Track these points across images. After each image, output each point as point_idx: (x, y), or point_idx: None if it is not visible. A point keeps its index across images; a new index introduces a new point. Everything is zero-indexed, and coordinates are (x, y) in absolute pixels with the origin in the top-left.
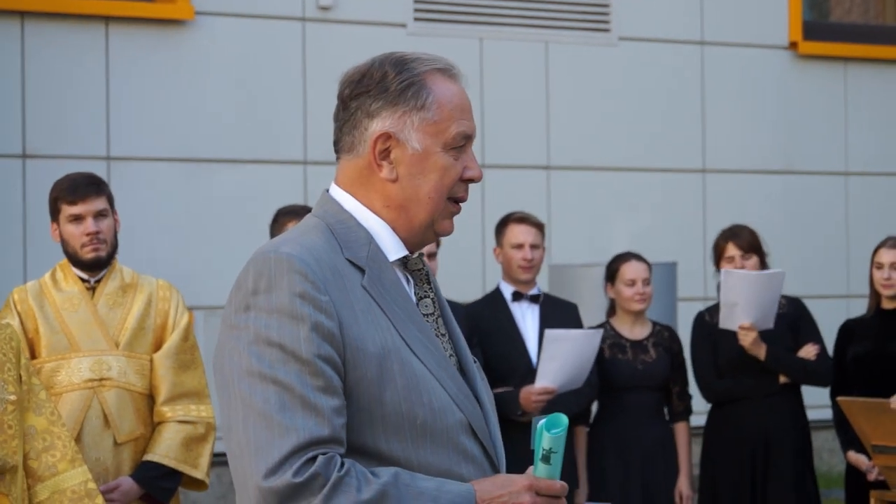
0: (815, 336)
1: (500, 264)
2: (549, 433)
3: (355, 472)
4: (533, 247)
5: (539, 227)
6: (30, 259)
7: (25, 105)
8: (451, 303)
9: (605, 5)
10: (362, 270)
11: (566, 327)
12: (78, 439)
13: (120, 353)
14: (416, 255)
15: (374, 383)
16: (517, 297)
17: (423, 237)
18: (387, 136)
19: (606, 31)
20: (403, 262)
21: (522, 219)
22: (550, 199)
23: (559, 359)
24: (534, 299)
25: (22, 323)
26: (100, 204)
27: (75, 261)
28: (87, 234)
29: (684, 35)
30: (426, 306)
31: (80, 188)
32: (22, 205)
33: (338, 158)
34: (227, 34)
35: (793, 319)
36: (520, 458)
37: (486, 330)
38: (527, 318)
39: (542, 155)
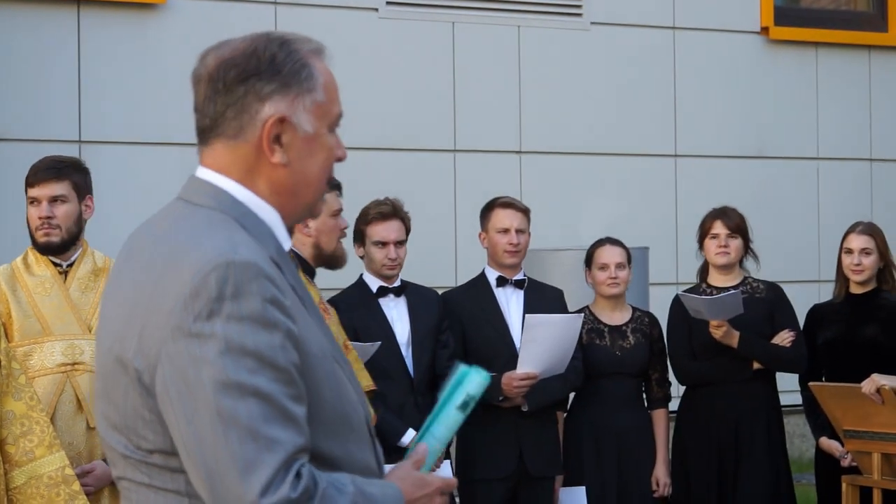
0: (791, 322)
1: (485, 249)
2: (479, 378)
3: (331, 483)
4: (519, 231)
5: (525, 211)
6: (1, 242)
7: None
8: (419, 287)
9: None
10: (280, 267)
11: (551, 313)
12: (51, 423)
13: (92, 338)
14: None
15: (316, 386)
16: (502, 282)
17: (299, 220)
18: (282, 120)
19: (578, 15)
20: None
21: (508, 203)
22: (522, 184)
23: (540, 344)
24: (518, 284)
25: None
26: (57, 189)
27: (34, 243)
28: (40, 218)
29: (656, 20)
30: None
31: (40, 172)
32: None
33: (207, 143)
34: (199, 18)
35: (771, 305)
36: None
37: (469, 315)
38: (511, 303)
39: (514, 140)
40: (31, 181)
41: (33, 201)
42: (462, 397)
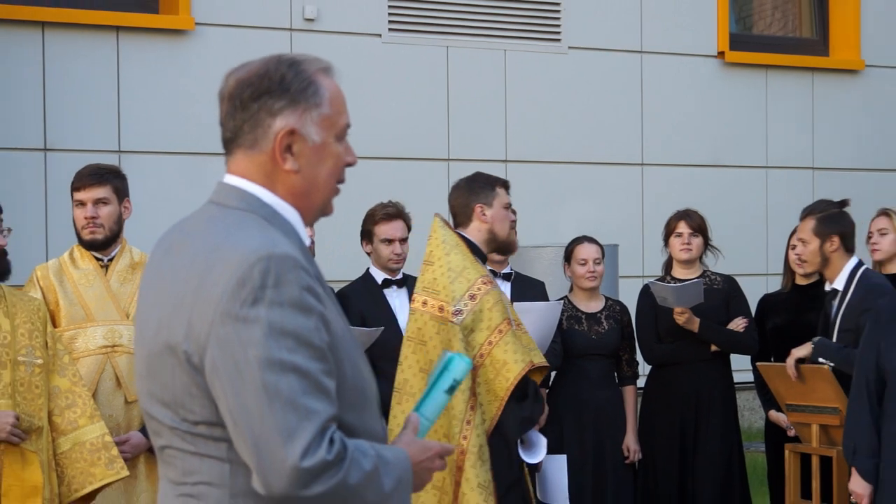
0: (744, 311)
1: None
2: (463, 363)
3: (357, 447)
4: None
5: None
6: (50, 240)
7: (46, 105)
8: (414, 279)
9: (557, 18)
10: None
11: (535, 301)
12: (93, 398)
13: (130, 323)
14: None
15: (340, 363)
16: (493, 275)
17: (315, 219)
18: (291, 133)
19: (557, 41)
20: None
21: None
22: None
23: (526, 328)
24: (507, 277)
25: (44, 296)
26: (100, 192)
27: (80, 240)
28: (86, 218)
29: (626, 45)
30: None
31: (84, 178)
32: (44, 192)
33: (231, 153)
34: (224, 43)
35: (726, 295)
36: None
37: None
38: None
39: (501, 150)
40: (77, 186)
41: (79, 204)
42: (448, 382)
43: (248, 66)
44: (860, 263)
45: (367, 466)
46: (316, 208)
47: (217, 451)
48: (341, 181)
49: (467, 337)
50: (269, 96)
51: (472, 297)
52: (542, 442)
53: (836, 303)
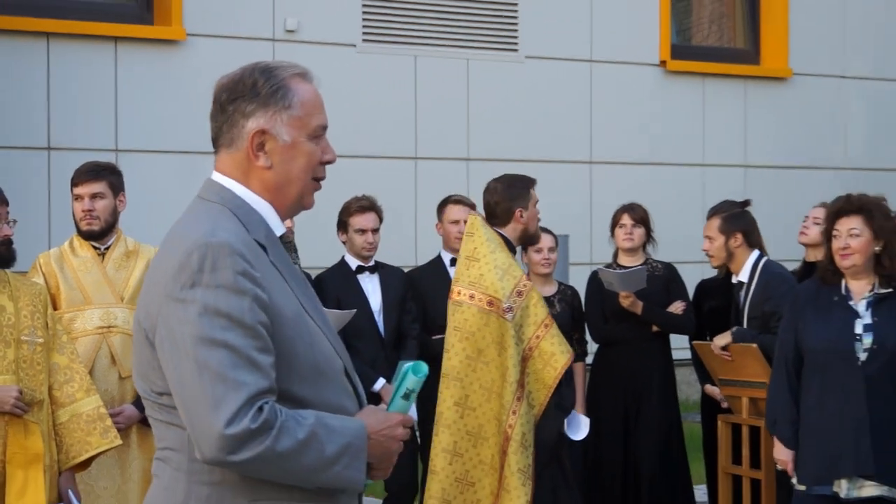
0: (683, 295)
1: (440, 236)
2: (415, 376)
3: (291, 416)
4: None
5: (472, 206)
6: (53, 230)
7: (50, 107)
8: (389, 267)
9: (514, 31)
10: (265, 248)
11: None
12: (90, 374)
13: (124, 306)
14: (284, 229)
15: (290, 341)
16: (454, 262)
17: (293, 211)
18: (262, 132)
19: (515, 51)
20: (280, 237)
21: (459, 200)
22: (469, 184)
23: None
24: None
25: (46, 281)
26: (96, 187)
27: (79, 231)
28: (83, 211)
29: (577, 55)
30: (299, 271)
31: (82, 174)
32: (47, 187)
33: (217, 151)
34: (212, 51)
35: (666, 280)
36: None
37: (427, 289)
38: None
39: (464, 149)
40: (76, 181)
41: (78, 198)
42: (403, 391)
43: (231, 73)
44: (761, 256)
45: (300, 434)
46: (291, 201)
47: (178, 419)
48: (320, 177)
49: (517, 332)
50: (242, 100)
51: (520, 294)
52: (585, 421)
53: (742, 294)
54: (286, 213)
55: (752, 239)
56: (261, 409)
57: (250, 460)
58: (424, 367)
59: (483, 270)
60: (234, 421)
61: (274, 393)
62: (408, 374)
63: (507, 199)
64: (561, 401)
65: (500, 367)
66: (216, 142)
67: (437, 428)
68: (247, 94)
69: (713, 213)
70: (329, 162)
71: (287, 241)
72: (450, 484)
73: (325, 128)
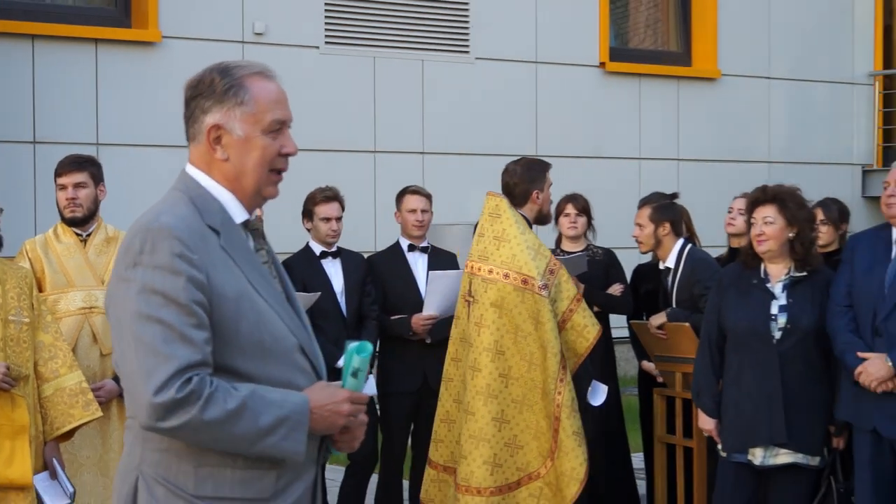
0: (621, 278)
1: (398, 224)
2: (358, 356)
3: (222, 388)
4: (423, 211)
5: (428, 196)
6: (38, 218)
7: (35, 104)
8: (350, 252)
9: (466, 34)
10: (218, 233)
11: (448, 270)
12: (73, 352)
13: (105, 289)
14: (253, 217)
15: (232, 319)
16: (412, 248)
17: (255, 201)
18: (217, 127)
19: (467, 52)
20: (245, 224)
21: (416, 191)
22: (425, 176)
23: (439, 293)
24: (424, 250)
25: (32, 266)
26: (78, 178)
27: (62, 218)
28: (67, 199)
29: (524, 56)
30: (262, 256)
31: (65, 166)
32: (33, 178)
33: (188, 144)
34: (186, 52)
35: (606, 265)
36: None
37: (387, 273)
38: (418, 264)
39: (419, 143)
40: (59, 172)
41: (61, 187)
42: (351, 370)
43: (198, 72)
44: (686, 243)
45: (229, 405)
46: (250, 191)
47: None
48: (280, 168)
49: (553, 306)
50: (201, 97)
51: (552, 272)
52: (603, 388)
53: (669, 278)
54: (249, 203)
55: (679, 228)
56: (189, 380)
57: (178, 427)
58: (369, 347)
59: (515, 251)
60: (162, 390)
61: (208, 366)
62: (353, 355)
63: (526, 181)
64: (586, 369)
65: (537, 339)
66: (186, 135)
67: (482, 399)
68: (205, 91)
69: (644, 203)
70: (288, 154)
71: (254, 228)
72: (500, 448)
73: (282, 122)
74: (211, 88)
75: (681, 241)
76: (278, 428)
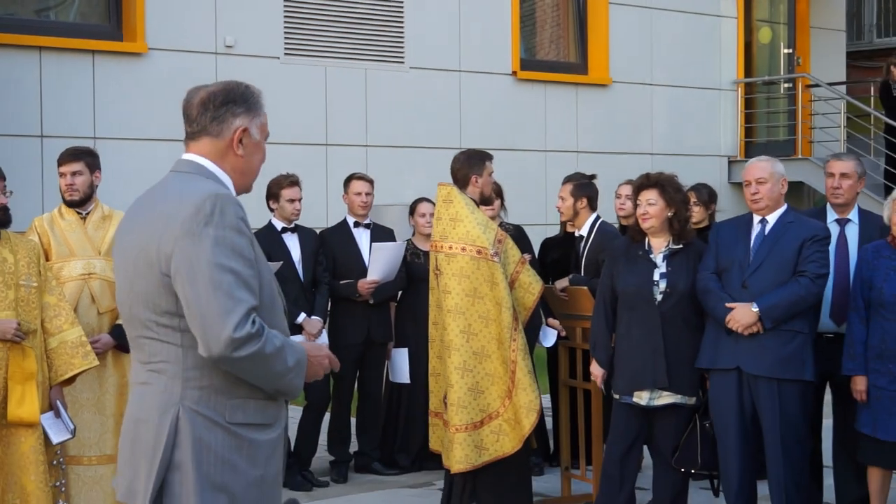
0: (529, 249)
1: (346, 205)
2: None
3: (269, 330)
4: (367, 194)
5: (371, 182)
6: (45, 200)
7: (42, 104)
8: (305, 228)
9: (401, 47)
10: None
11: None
12: (74, 311)
13: (101, 258)
14: None
15: (261, 275)
16: (357, 225)
17: (244, 190)
18: (244, 130)
19: (402, 62)
20: None
21: (361, 177)
22: (368, 164)
23: (381, 261)
24: (367, 226)
25: (39, 239)
26: (75, 167)
27: (64, 200)
28: (66, 185)
29: (449, 66)
30: None
31: (65, 156)
32: (41, 166)
33: (196, 139)
34: (168, 62)
35: (516, 238)
36: None
37: (336, 245)
38: (362, 238)
39: (363, 138)
40: (60, 162)
41: (62, 175)
42: None
43: (211, 85)
44: (598, 217)
45: (277, 343)
46: (245, 185)
47: (174, 338)
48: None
49: (504, 269)
50: (233, 104)
51: (500, 242)
52: (553, 332)
53: (581, 245)
54: (239, 191)
55: (594, 204)
56: (254, 320)
57: (247, 357)
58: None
59: (468, 228)
60: (239, 326)
61: (258, 310)
62: None
63: (467, 167)
64: (533, 318)
65: (493, 298)
66: (202, 131)
67: (449, 352)
68: (238, 99)
69: (567, 179)
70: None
71: None
72: (464, 393)
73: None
74: (242, 98)
75: (594, 215)
76: (295, 368)
